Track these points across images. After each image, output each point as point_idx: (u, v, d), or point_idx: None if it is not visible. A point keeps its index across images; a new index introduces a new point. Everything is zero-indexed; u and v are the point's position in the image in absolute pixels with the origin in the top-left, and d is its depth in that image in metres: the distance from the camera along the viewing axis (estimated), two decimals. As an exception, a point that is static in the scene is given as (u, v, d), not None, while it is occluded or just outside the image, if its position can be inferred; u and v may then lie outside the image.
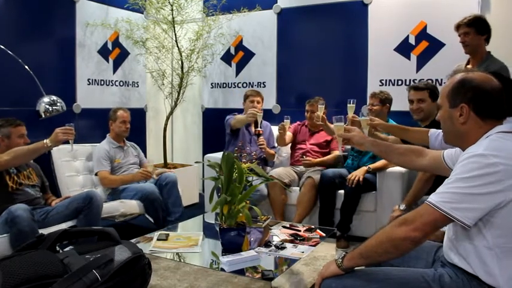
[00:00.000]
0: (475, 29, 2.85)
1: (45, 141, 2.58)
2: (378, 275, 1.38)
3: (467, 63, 3.00)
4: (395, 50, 3.83)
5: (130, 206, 3.20)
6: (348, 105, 2.78)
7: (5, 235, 2.43)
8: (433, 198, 1.25)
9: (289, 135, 3.73)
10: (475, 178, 1.20)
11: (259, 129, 3.59)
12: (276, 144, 3.91)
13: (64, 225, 2.59)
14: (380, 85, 3.86)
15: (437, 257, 1.51)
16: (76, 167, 3.51)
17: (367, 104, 3.50)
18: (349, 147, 3.47)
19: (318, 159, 3.62)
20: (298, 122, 3.92)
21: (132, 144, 3.78)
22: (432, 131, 2.04)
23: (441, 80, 3.58)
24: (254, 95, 3.82)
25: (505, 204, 1.21)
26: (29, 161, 2.83)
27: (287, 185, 3.41)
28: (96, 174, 3.43)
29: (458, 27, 2.94)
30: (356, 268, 1.40)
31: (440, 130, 1.53)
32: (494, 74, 1.37)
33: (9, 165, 2.61)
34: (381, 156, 2.10)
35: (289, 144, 3.88)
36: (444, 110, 1.40)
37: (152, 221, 3.29)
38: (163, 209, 3.30)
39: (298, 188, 3.46)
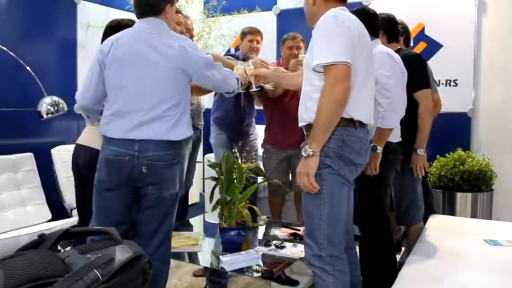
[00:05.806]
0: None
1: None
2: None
3: None
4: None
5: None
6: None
7: None
8: (325, 60, 1.56)
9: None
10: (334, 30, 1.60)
11: (254, 89, 2.61)
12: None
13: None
14: (379, 86, 3.87)
15: None
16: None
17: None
18: None
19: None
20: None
21: None
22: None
23: (438, 80, 3.59)
24: (254, 33, 3.09)
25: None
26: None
27: (286, 191, 3.31)
28: None
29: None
30: None
31: None
32: None
33: None
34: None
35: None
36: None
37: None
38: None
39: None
